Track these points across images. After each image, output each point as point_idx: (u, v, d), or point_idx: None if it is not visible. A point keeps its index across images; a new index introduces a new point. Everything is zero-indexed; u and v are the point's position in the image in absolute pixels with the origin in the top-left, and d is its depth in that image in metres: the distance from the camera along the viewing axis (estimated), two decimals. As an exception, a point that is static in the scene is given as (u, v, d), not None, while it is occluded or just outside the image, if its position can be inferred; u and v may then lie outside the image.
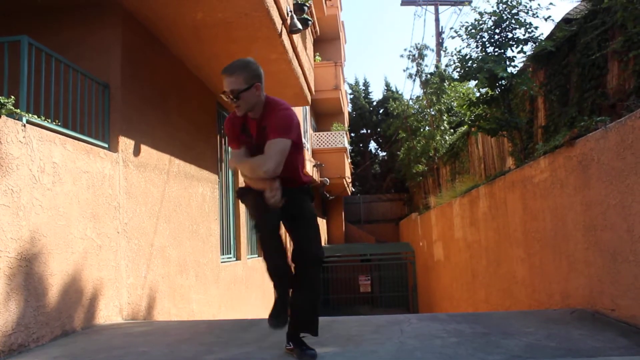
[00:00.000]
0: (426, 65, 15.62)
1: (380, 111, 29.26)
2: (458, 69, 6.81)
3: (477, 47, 6.66)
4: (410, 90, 26.63)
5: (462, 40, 6.73)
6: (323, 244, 21.65)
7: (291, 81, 7.50)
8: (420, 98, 16.04)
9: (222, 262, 7.53)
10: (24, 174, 3.37)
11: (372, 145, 30.47)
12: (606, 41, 5.11)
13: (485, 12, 6.53)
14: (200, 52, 6.17)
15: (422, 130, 15.29)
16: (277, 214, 2.89)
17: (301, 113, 14.72)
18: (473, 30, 6.59)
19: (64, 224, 3.79)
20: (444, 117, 14.11)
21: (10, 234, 3.22)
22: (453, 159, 12.70)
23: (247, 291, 8.59)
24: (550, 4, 6.14)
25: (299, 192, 3.06)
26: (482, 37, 6.57)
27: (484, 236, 7.18)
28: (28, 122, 3.51)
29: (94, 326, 4.15)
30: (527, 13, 6.31)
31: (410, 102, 17.00)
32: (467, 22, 6.75)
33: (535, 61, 6.75)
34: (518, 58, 6.53)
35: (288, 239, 3.14)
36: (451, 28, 7.17)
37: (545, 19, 6.29)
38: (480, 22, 6.56)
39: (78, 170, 4.02)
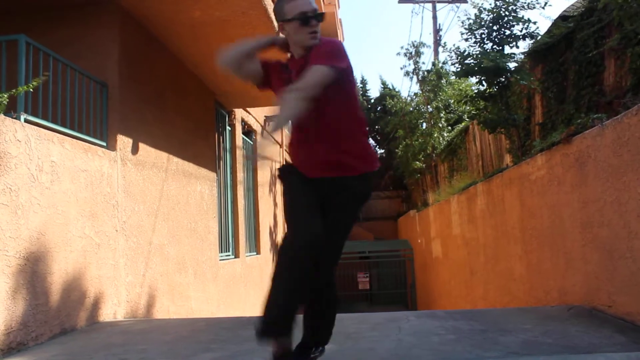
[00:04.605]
0: (423, 63, 15.66)
1: (378, 109, 29.24)
2: (456, 66, 6.82)
3: (475, 42, 6.67)
4: (408, 88, 26.73)
5: (462, 34, 6.76)
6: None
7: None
8: (418, 95, 16.05)
9: (220, 259, 7.53)
10: (22, 172, 3.37)
11: (370, 143, 30.43)
12: (603, 38, 5.12)
13: (484, 9, 6.55)
14: (197, 50, 6.16)
15: (419, 127, 15.30)
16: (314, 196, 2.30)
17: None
18: (473, 27, 6.60)
19: (62, 222, 3.79)
20: (442, 115, 14.12)
21: (9, 232, 3.22)
22: (451, 156, 12.71)
23: (245, 289, 8.60)
24: (546, 3, 6.16)
25: (356, 184, 2.30)
26: (481, 33, 6.59)
27: (482, 233, 7.20)
28: (26, 120, 3.52)
29: (93, 324, 4.16)
30: (523, 8, 6.33)
31: (408, 99, 17.00)
32: (467, 16, 6.77)
33: (532, 58, 6.76)
34: (517, 54, 6.56)
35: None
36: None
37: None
38: (478, 18, 6.58)
39: (76, 168, 4.02)
